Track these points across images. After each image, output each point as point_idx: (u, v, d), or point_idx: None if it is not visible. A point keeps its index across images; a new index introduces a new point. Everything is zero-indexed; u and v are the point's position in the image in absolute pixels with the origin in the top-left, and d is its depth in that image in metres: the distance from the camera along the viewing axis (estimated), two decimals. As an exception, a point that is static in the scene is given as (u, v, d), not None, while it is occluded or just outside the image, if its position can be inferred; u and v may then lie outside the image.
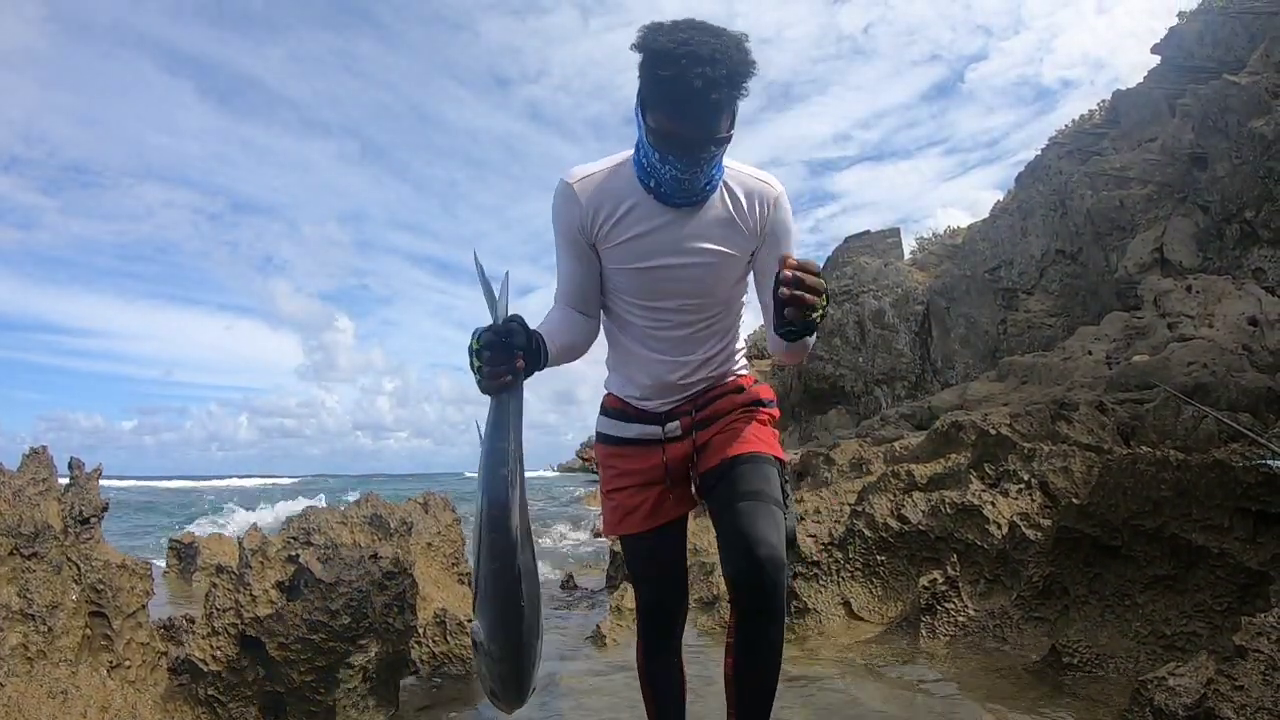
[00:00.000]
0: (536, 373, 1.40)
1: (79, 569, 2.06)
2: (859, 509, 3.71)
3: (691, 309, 1.59)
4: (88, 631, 2.01)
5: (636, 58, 1.33)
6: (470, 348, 1.31)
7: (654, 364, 1.64)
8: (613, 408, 1.72)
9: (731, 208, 1.53)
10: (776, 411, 1.75)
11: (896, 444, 6.92)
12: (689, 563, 2.13)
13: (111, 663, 2.02)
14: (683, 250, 1.52)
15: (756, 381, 1.77)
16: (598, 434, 1.76)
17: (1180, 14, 17.68)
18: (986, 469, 3.77)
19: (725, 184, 1.52)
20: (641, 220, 1.50)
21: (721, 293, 1.59)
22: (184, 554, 5.34)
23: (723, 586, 3.38)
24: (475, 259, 1.43)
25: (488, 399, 1.36)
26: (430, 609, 2.94)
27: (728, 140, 1.37)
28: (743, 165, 1.56)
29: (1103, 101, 19.60)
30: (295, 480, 49.18)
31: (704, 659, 2.83)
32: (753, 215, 1.54)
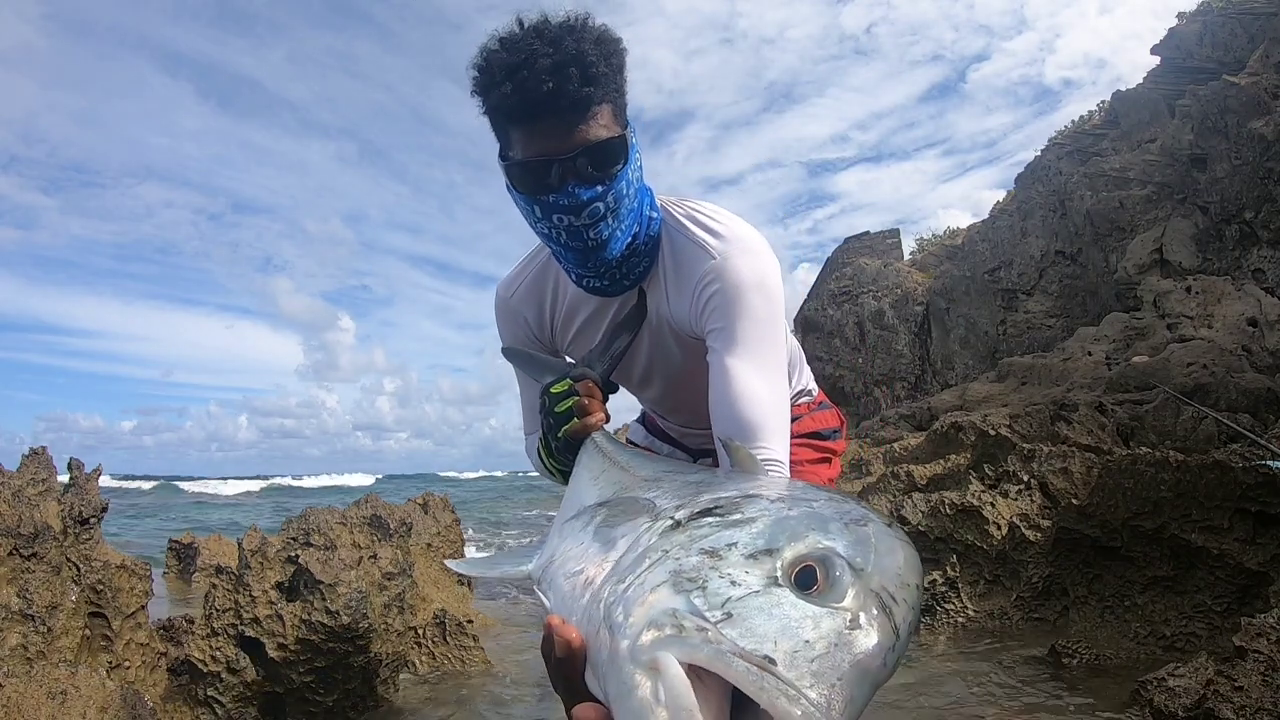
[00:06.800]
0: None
1: (78, 570, 2.05)
2: (859, 510, 3.71)
3: (677, 387, 1.32)
4: (87, 632, 2.00)
5: (479, 107, 1.01)
6: (551, 394, 1.06)
7: (671, 427, 1.54)
8: (650, 424, 1.62)
9: (666, 293, 1.15)
10: (838, 444, 1.52)
11: (896, 445, 6.93)
12: None
13: (111, 663, 2.02)
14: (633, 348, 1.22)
15: (816, 408, 1.52)
16: (629, 440, 1.64)
17: (1179, 15, 17.68)
18: (986, 470, 3.76)
19: (664, 250, 1.15)
20: (580, 316, 1.24)
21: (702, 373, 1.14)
22: (183, 554, 5.34)
23: None
24: (504, 352, 1.29)
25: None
26: (430, 609, 2.93)
27: (614, 144, 1.00)
28: (697, 217, 1.14)
29: (1102, 102, 19.59)
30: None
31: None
32: (686, 301, 1.12)
